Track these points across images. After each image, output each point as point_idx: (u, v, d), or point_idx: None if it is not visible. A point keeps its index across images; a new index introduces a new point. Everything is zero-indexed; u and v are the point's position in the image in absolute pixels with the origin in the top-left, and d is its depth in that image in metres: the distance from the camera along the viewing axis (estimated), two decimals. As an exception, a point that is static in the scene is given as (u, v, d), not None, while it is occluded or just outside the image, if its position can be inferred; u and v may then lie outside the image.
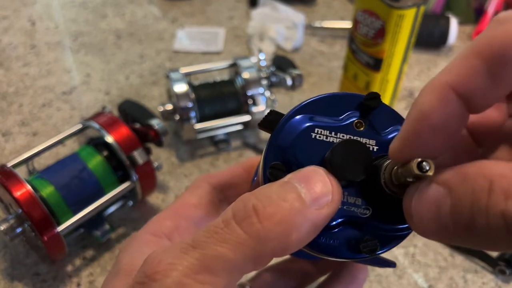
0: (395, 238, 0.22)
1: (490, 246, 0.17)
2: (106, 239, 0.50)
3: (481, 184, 0.16)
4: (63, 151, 0.59)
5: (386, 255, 0.24)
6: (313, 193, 0.19)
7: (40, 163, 0.55)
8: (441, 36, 0.76)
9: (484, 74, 0.17)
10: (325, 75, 0.74)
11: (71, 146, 0.59)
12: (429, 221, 0.17)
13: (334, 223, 0.21)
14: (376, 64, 0.59)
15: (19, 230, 0.44)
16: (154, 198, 0.56)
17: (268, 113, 0.23)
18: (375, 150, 0.22)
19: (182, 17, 0.85)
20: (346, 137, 0.22)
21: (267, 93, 0.60)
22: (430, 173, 0.18)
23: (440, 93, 0.18)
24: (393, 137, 0.21)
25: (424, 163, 0.18)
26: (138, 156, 0.49)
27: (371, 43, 0.58)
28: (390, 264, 0.28)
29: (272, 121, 0.22)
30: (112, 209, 0.52)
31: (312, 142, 0.22)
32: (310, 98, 0.23)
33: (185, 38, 0.80)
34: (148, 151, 0.51)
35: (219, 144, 0.62)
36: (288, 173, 0.20)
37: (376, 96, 0.22)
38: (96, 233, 0.49)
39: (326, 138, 0.22)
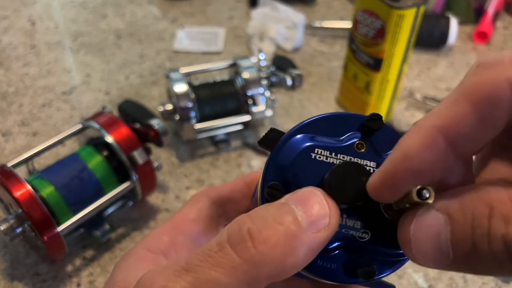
0: (393, 263, 0.21)
1: (490, 271, 0.17)
2: (106, 239, 0.50)
3: (481, 210, 0.16)
4: (63, 151, 0.59)
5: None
6: (310, 216, 0.19)
7: (40, 163, 0.55)
8: (441, 36, 0.76)
9: (473, 118, 0.17)
10: (325, 75, 0.74)
11: (71, 146, 0.59)
12: (428, 248, 0.17)
13: (332, 246, 0.21)
14: (376, 64, 0.59)
15: (19, 230, 0.44)
16: (154, 198, 0.56)
17: (269, 130, 0.22)
18: None
19: (182, 17, 0.85)
20: (347, 158, 0.22)
21: (267, 93, 0.60)
22: (430, 200, 0.18)
23: (426, 136, 0.17)
24: None
25: (424, 190, 0.18)
26: (138, 156, 0.49)
27: (371, 43, 0.58)
28: (389, 286, 0.28)
29: (272, 139, 0.22)
30: (112, 209, 0.52)
31: (312, 162, 0.21)
32: (312, 117, 0.22)
33: (185, 38, 0.80)
34: (148, 151, 0.51)
35: (219, 144, 0.62)
36: (286, 193, 0.20)
37: (378, 118, 0.22)
38: (96, 233, 0.49)
39: (326, 159, 0.22)
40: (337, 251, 0.21)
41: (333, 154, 0.22)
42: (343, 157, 0.22)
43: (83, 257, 0.50)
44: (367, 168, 0.22)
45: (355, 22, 0.59)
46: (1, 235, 0.49)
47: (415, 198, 0.18)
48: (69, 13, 0.86)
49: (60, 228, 0.44)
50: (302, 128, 0.22)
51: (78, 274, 0.49)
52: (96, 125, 0.49)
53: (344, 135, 0.22)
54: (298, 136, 0.22)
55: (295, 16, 0.81)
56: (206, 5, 0.88)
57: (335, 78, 0.72)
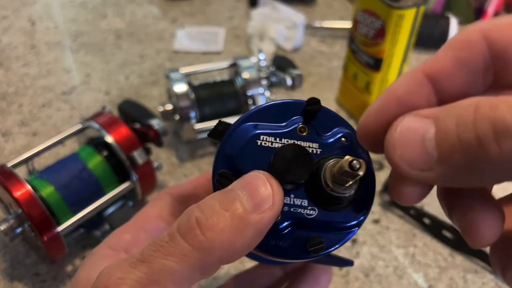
0: (342, 236, 0.23)
1: (477, 164, 0.16)
2: (106, 239, 0.50)
3: (467, 108, 0.16)
4: (63, 151, 0.59)
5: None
6: (254, 199, 0.20)
7: (40, 163, 0.55)
8: (441, 36, 0.76)
9: (451, 61, 0.19)
10: (325, 75, 0.74)
11: (71, 146, 0.59)
12: (413, 149, 0.18)
13: (283, 225, 0.22)
14: (376, 64, 0.59)
15: (19, 230, 0.44)
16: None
17: (217, 123, 0.24)
18: (318, 152, 0.23)
19: (182, 17, 0.85)
20: (290, 142, 0.23)
21: (267, 93, 0.60)
22: (361, 172, 0.19)
23: (411, 74, 0.20)
24: (335, 140, 0.23)
25: (354, 161, 0.19)
26: (138, 156, 0.49)
27: (371, 43, 0.58)
28: (348, 262, 0.29)
29: (220, 131, 0.23)
30: (112, 209, 0.51)
31: (259, 149, 0.23)
32: (257, 106, 0.24)
33: (185, 38, 0.80)
34: (148, 151, 0.51)
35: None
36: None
37: (317, 101, 0.23)
38: (96, 233, 0.49)
39: (272, 144, 0.23)
40: (288, 230, 0.22)
41: (278, 139, 0.23)
42: (287, 141, 0.23)
43: (83, 257, 0.50)
44: (310, 149, 0.23)
45: (355, 22, 0.59)
46: (1, 235, 0.49)
47: (346, 167, 0.19)
48: (69, 13, 0.86)
49: (60, 228, 0.44)
50: (248, 118, 0.23)
51: (78, 274, 0.49)
52: (96, 125, 0.49)
53: (287, 121, 0.23)
54: (245, 125, 0.23)
55: (295, 16, 0.81)
56: (206, 5, 0.88)
57: (335, 78, 0.72)
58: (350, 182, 0.21)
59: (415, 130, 0.18)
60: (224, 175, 0.22)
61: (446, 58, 0.20)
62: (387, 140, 0.19)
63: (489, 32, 0.19)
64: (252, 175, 0.21)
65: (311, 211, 0.22)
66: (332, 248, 0.22)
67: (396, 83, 0.20)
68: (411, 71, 0.20)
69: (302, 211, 0.22)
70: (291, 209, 0.22)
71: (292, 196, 0.22)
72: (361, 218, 0.23)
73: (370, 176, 0.23)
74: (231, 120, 0.24)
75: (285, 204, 0.22)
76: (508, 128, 0.15)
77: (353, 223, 0.23)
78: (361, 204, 0.23)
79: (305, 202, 0.22)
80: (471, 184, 0.18)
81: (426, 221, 0.52)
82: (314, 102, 0.23)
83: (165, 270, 0.19)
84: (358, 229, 0.23)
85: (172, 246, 0.19)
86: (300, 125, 0.23)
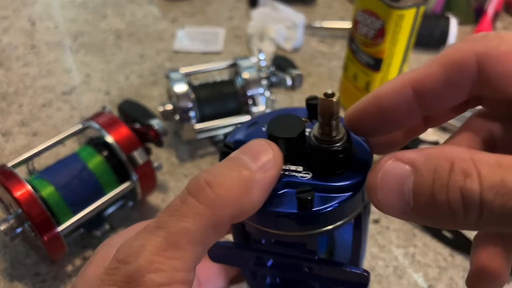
0: (334, 198, 0.23)
1: (444, 223, 0.18)
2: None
3: (443, 164, 0.18)
4: (63, 151, 0.59)
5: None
6: (257, 160, 0.21)
7: (40, 163, 0.55)
8: (441, 36, 0.76)
9: (440, 78, 0.20)
10: (325, 75, 0.74)
11: (71, 146, 0.59)
12: (392, 196, 0.19)
13: (279, 192, 0.23)
14: (376, 64, 0.59)
15: (19, 230, 0.44)
16: (154, 198, 0.56)
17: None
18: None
19: (182, 17, 0.85)
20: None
21: (267, 93, 0.60)
22: (334, 99, 0.21)
23: (396, 83, 0.21)
24: None
25: (328, 90, 0.22)
26: (138, 156, 0.49)
27: (371, 43, 0.58)
28: (362, 274, 0.28)
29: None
30: (112, 209, 0.52)
31: (262, 132, 0.26)
32: (261, 116, 0.27)
33: (185, 38, 0.80)
34: (148, 151, 0.51)
35: (219, 144, 0.62)
36: None
37: (315, 97, 0.25)
38: (96, 233, 0.49)
39: None
40: (283, 191, 0.23)
41: None
42: None
43: (83, 257, 0.50)
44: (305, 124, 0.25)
45: (355, 22, 0.59)
46: (1, 235, 0.49)
47: (321, 96, 0.22)
48: (69, 13, 0.86)
49: (60, 228, 0.44)
50: (255, 122, 0.27)
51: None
52: (96, 125, 0.49)
53: None
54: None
55: (295, 16, 0.81)
56: (206, 5, 0.88)
57: (335, 78, 0.72)
58: (334, 131, 0.22)
59: (394, 177, 0.19)
60: (229, 145, 0.24)
61: (436, 76, 0.20)
62: (369, 182, 0.20)
63: (485, 59, 0.20)
64: (252, 142, 0.22)
65: (306, 175, 0.24)
66: (323, 208, 0.23)
67: (381, 88, 0.22)
68: (398, 79, 0.21)
69: (297, 174, 0.24)
70: (286, 173, 0.24)
71: (288, 164, 0.24)
72: (355, 180, 0.23)
73: (365, 142, 0.25)
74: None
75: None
76: (475, 201, 0.17)
77: (346, 183, 0.23)
78: (357, 169, 0.24)
79: (300, 168, 0.24)
80: (443, 228, 0.20)
81: (426, 221, 0.52)
82: (313, 97, 0.26)
83: (182, 232, 0.19)
84: (352, 194, 0.23)
85: (186, 207, 0.20)
86: (304, 118, 0.25)
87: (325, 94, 0.22)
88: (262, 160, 0.21)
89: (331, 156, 0.23)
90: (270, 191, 0.22)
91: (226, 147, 0.24)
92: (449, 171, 0.17)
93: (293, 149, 0.24)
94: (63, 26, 0.83)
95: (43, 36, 0.80)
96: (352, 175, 0.23)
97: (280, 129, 0.23)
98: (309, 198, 0.22)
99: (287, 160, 0.24)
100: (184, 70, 0.61)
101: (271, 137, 0.23)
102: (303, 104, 0.26)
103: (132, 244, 0.20)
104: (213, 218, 0.20)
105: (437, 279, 0.49)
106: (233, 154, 0.22)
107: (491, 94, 0.21)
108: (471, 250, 0.24)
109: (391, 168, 0.19)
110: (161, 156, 0.60)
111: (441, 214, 0.18)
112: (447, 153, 0.18)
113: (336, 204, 0.23)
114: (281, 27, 0.79)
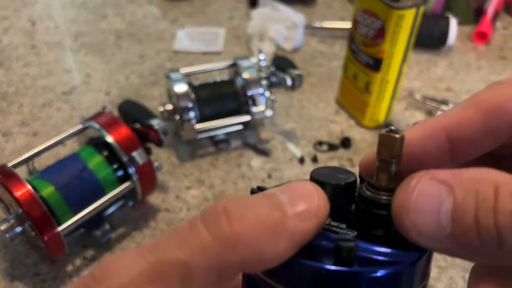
0: (377, 263, 0.18)
1: (486, 251, 0.16)
2: (106, 239, 0.50)
3: (486, 187, 0.16)
4: (63, 151, 0.59)
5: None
6: (296, 204, 0.17)
7: (40, 163, 0.55)
8: (441, 36, 0.76)
9: (478, 124, 0.18)
10: (325, 75, 0.74)
11: (71, 146, 0.59)
12: (427, 219, 0.17)
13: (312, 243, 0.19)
14: (376, 64, 0.59)
15: (19, 230, 0.44)
16: (154, 198, 0.56)
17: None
18: None
19: (182, 17, 0.85)
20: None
21: (267, 93, 0.60)
22: (397, 135, 0.18)
23: (428, 129, 0.19)
24: None
25: (391, 127, 0.18)
26: (138, 156, 0.49)
27: (371, 43, 0.58)
28: None
29: None
30: (112, 209, 0.52)
31: None
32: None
33: (185, 38, 0.80)
34: (148, 151, 0.51)
35: (219, 144, 0.62)
36: None
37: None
38: (96, 233, 0.49)
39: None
40: (317, 242, 0.19)
41: None
42: None
43: (83, 257, 0.50)
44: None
45: (355, 22, 0.59)
46: (1, 235, 0.49)
47: (383, 132, 0.18)
48: (69, 13, 0.86)
49: (60, 228, 0.45)
50: None
51: (78, 274, 0.49)
52: (96, 125, 0.49)
53: None
54: None
55: (295, 16, 0.81)
56: (206, 5, 0.88)
57: (335, 78, 0.72)
58: (392, 180, 0.18)
59: (432, 198, 0.17)
60: (262, 188, 0.19)
61: (473, 122, 0.18)
62: (400, 201, 0.17)
63: None
64: (296, 182, 0.18)
65: (349, 232, 0.19)
66: (368, 269, 0.18)
67: (410, 133, 0.19)
68: (429, 123, 0.19)
69: (338, 231, 0.19)
70: (324, 226, 0.19)
71: (329, 219, 0.20)
72: (412, 255, 0.18)
73: None
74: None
75: None
76: None
77: (399, 252, 0.18)
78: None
79: (343, 226, 0.19)
80: (475, 261, 0.18)
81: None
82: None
83: (176, 263, 0.15)
84: (406, 267, 0.17)
85: (191, 234, 0.16)
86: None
87: (387, 129, 0.18)
88: (302, 206, 0.17)
89: (379, 208, 0.18)
90: (300, 246, 0.17)
91: (260, 190, 0.19)
92: (494, 194, 0.16)
93: (339, 200, 0.19)
94: (63, 26, 0.83)
95: (43, 36, 0.80)
96: (404, 243, 0.18)
97: (326, 176, 0.19)
98: (353, 246, 0.17)
99: (330, 213, 0.19)
100: (184, 70, 0.61)
101: (314, 180, 0.19)
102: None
103: (116, 263, 0.16)
104: (219, 257, 0.16)
105: (437, 279, 0.49)
106: (271, 189, 0.18)
107: None
108: (467, 283, 0.21)
109: (428, 186, 0.17)
110: (161, 156, 0.60)
111: (484, 242, 0.16)
112: (487, 175, 0.16)
113: (385, 272, 0.17)
114: (281, 27, 0.79)
